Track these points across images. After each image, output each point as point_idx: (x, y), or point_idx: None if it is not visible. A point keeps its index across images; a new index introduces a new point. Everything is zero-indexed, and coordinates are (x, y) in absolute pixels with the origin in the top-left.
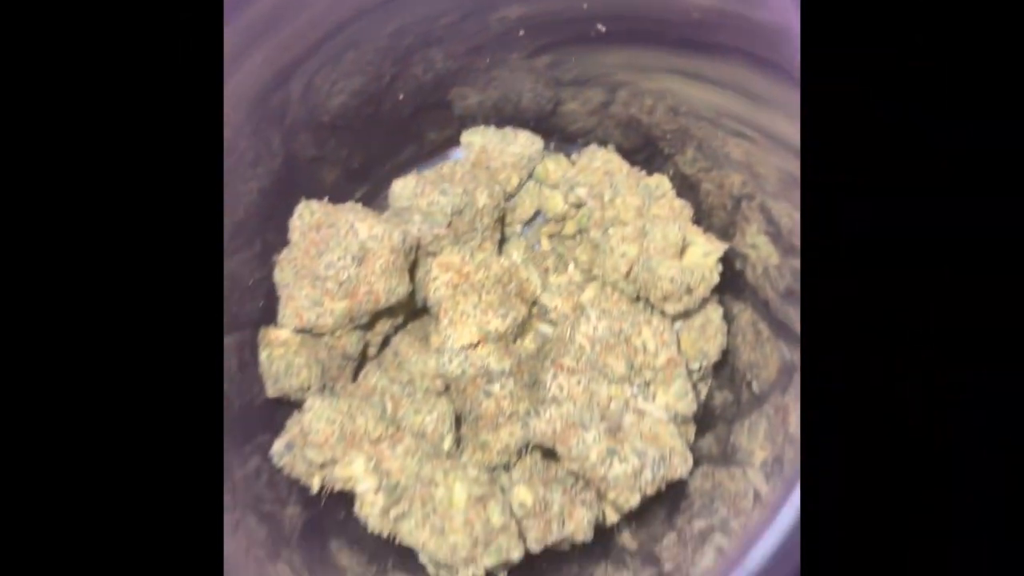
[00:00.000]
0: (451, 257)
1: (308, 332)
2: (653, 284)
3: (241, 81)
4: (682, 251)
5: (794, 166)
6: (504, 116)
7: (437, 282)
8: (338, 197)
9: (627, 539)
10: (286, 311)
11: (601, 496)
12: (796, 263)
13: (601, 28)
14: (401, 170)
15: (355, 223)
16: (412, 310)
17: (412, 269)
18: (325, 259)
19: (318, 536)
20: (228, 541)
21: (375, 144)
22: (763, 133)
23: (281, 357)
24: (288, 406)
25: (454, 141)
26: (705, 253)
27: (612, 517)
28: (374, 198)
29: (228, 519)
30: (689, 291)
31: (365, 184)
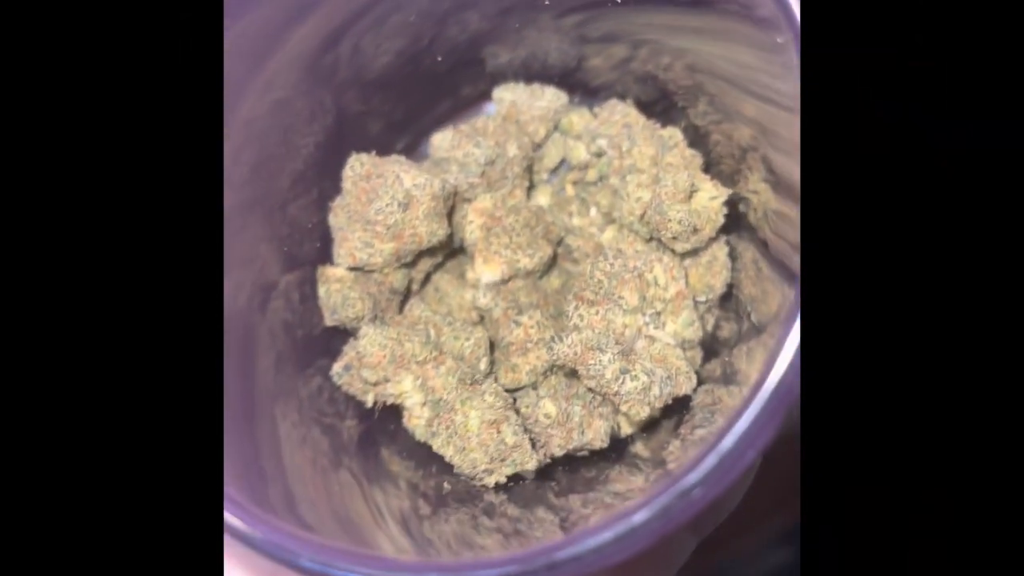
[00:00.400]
0: (485, 203)
1: (360, 270)
2: (664, 225)
3: (296, 45)
4: (691, 195)
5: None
6: (532, 73)
7: (472, 225)
8: (382, 149)
9: (639, 447)
10: (340, 251)
11: (615, 409)
12: (793, 211)
13: None
14: (438, 124)
15: (400, 173)
16: (450, 250)
17: (450, 214)
18: (375, 206)
19: (372, 446)
20: (296, 453)
21: (415, 100)
22: (777, 93)
23: (338, 292)
24: (343, 334)
25: (486, 96)
26: (711, 197)
27: (627, 429)
28: (414, 149)
29: (295, 434)
30: (696, 231)
31: (406, 136)
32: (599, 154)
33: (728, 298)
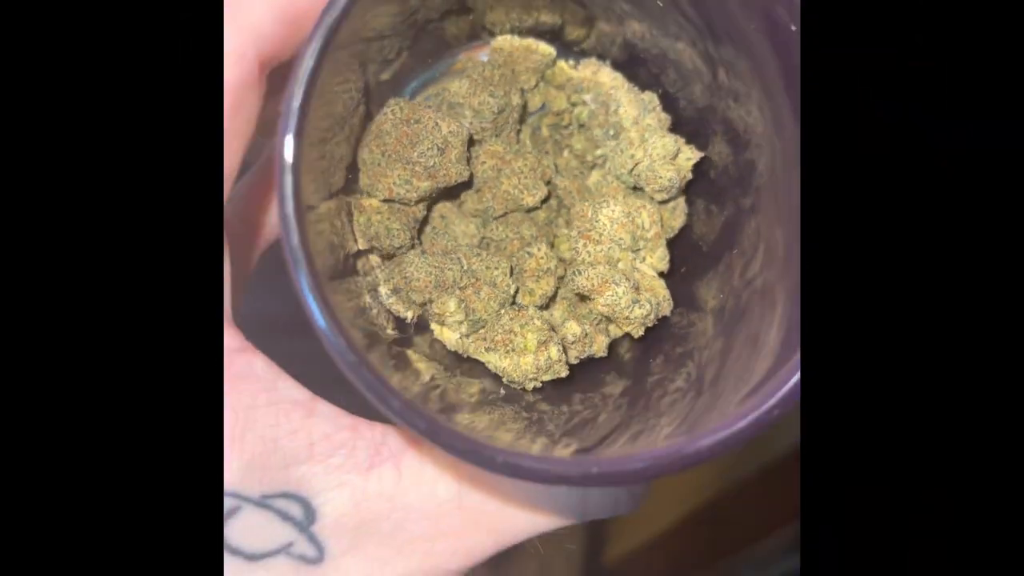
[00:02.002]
0: (495, 146)
1: (393, 202)
2: (653, 181)
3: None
4: (675, 157)
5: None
6: (524, 28)
7: (485, 166)
8: (396, 91)
9: (629, 357)
10: (379, 185)
11: (619, 328)
12: (748, 157)
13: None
14: (441, 72)
15: (437, 121)
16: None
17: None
18: (418, 149)
19: (403, 349)
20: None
21: (421, 51)
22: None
23: (379, 222)
24: (365, 254)
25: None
26: (687, 158)
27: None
28: (420, 91)
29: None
30: (672, 184)
31: (413, 81)
32: (574, 104)
33: (682, 235)
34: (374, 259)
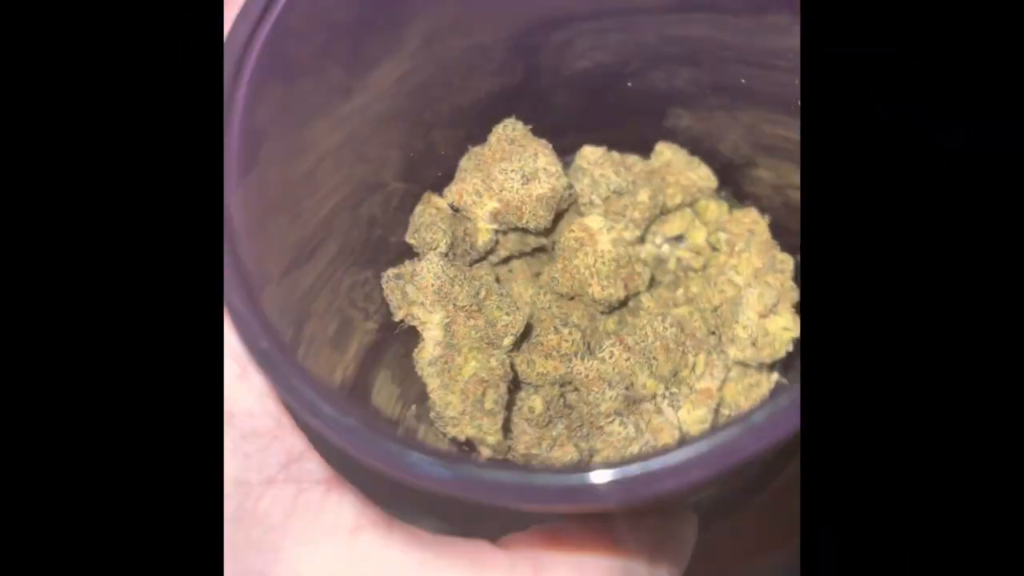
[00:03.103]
0: (592, 221)
1: (457, 211)
2: (729, 324)
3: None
4: (768, 314)
5: None
6: (699, 149)
7: (571, 235)
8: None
9: None
10: (453, 188)
11: (591, 442)
12: None
13: None
14: (597, 141)
15: (539, 153)
16: (539, 245)
17: (559, 216)
18: (501, 165)
19: (374, 359)
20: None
21: (590, 112)
22: None
23: (431, 216)
24: (409, 254)
25: (650, 144)
26: (785, 327)
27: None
28: (566, 153)
29: (322, 300)
30: (754, 345)
31: (565, 139)
32: (715, 248)
33: None
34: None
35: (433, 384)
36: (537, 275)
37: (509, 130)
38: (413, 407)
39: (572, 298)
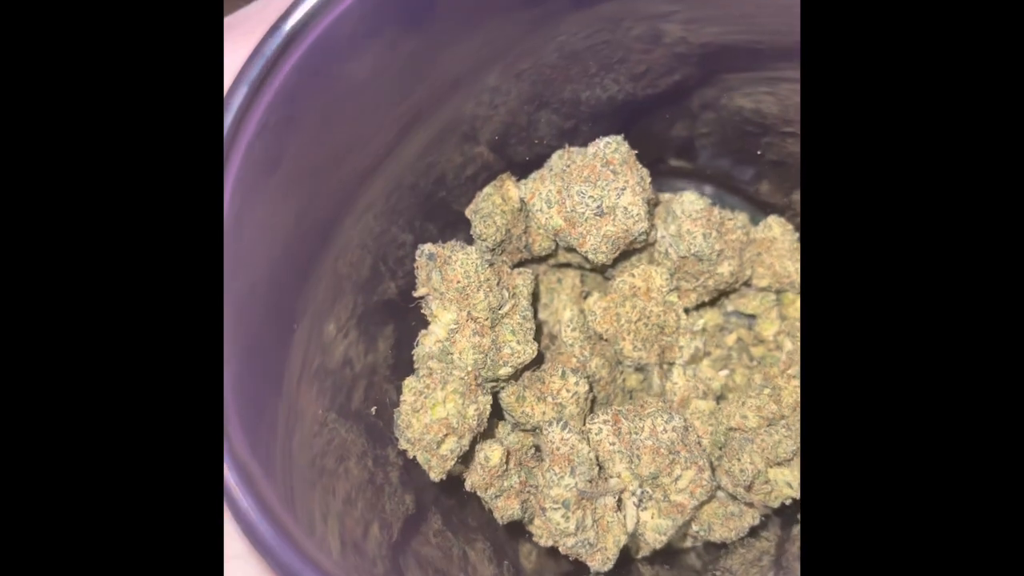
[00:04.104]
0: (657, 275)
1: (523, 210)
2: (731, 458)
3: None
4: (775, 464)
5: None
6: None
7: (629, 278)
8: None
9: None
10: (529, 183)
11: (536, 515)
12: None
13: None
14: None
15: (627, 187)
16: (593, 267)
17: (630, 250)
18: (583, 187)
19: (378, 319)
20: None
21: (725, 151)
22: None
23: (497, 206)
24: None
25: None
26: (788, 482)
27: (532, 529)
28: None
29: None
30: (748, 489)
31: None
32: (778, 347)
33: (714, 547)
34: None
35: (407, 397)
36: (586, 296)
37: (610, 150)
38: (374, 409)
39: (603, 339)
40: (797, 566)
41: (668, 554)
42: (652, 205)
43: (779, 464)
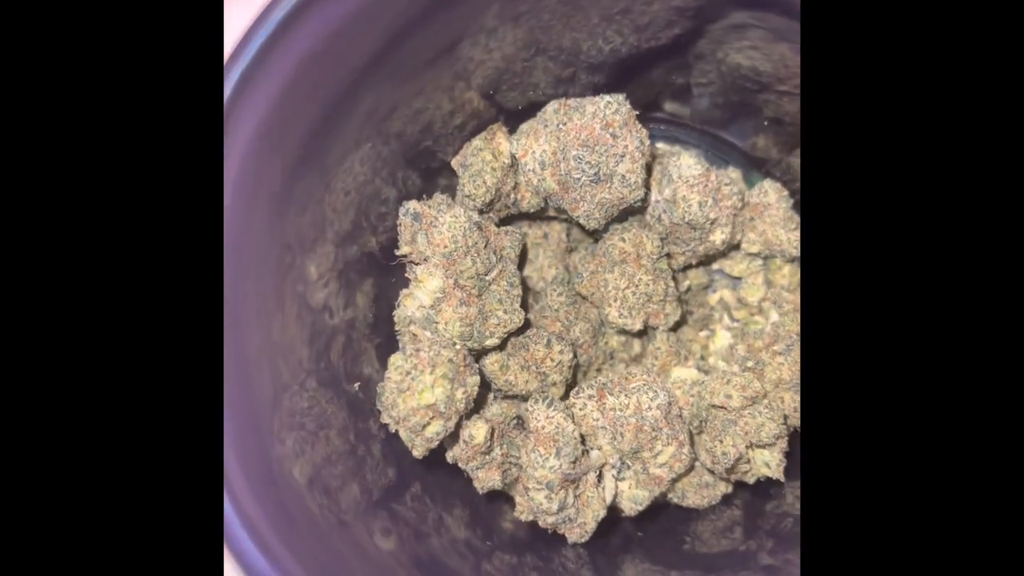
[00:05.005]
0: (648, 242)
1: (513, 167)
2: (714, 440)
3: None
4: (757, 445)
5: None
6: None
7: (619, 242)
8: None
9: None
10: (522, 139)
11: (518, 489)
12: None
13: None
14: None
15: (627, 153)
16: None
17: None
18: (580, 151)
19: (359, 273)
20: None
21: (727, 108)
22: None
23: (488, 163)
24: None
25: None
26: (766, 462)
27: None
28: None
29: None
30: (728, 470)
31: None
32: (762, 311)
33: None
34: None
35: (392, 376)
36: (572, 251)
37: (611, 111)
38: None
39: (584, 298)
40: (770, 543)
41: (638, 516)
42: (650, 165)
43: (759, 448)
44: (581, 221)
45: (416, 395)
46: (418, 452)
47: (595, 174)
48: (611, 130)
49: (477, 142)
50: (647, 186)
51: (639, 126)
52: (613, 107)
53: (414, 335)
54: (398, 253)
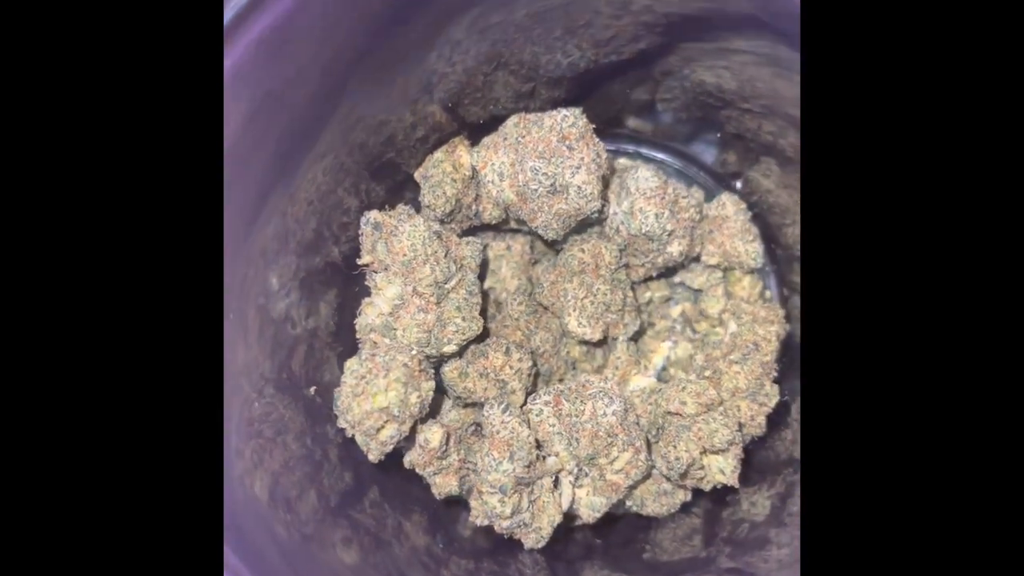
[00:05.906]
0: (607, 252)
1: (474, 178)
2: (668, 445)
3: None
4: (710, 452)
5: None
6: (761, 226)
7: (579, 253)
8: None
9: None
10: (482, 152)
11: (473, 497)
12: None
13: None
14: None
15: (583, 165)
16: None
17: (581, 223)
18: (537, 163)
19: (321, 283)
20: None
21: (689, 124)
22: None
23: (447, 173)
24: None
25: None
26: (720, 469)
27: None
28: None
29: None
30: (682, 476)
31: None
32: (722, 323)
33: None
34: None
35: (348, 380)
36: (535, 264)
37: (567, 124)
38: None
39: (549, 311)
40: (728, 549)
41: (598, 524)
42: (607, 178)
43: (714, 452)
44: (540, 232)
45: (370, 399)
46: (373, 456)
47: (551, 185)
48: (567, 142)
49: (439, 154)
50: (604, 198)
51: (596, 139)
52: (570, 120)
53: (374, 342)
54: (360, 262)
